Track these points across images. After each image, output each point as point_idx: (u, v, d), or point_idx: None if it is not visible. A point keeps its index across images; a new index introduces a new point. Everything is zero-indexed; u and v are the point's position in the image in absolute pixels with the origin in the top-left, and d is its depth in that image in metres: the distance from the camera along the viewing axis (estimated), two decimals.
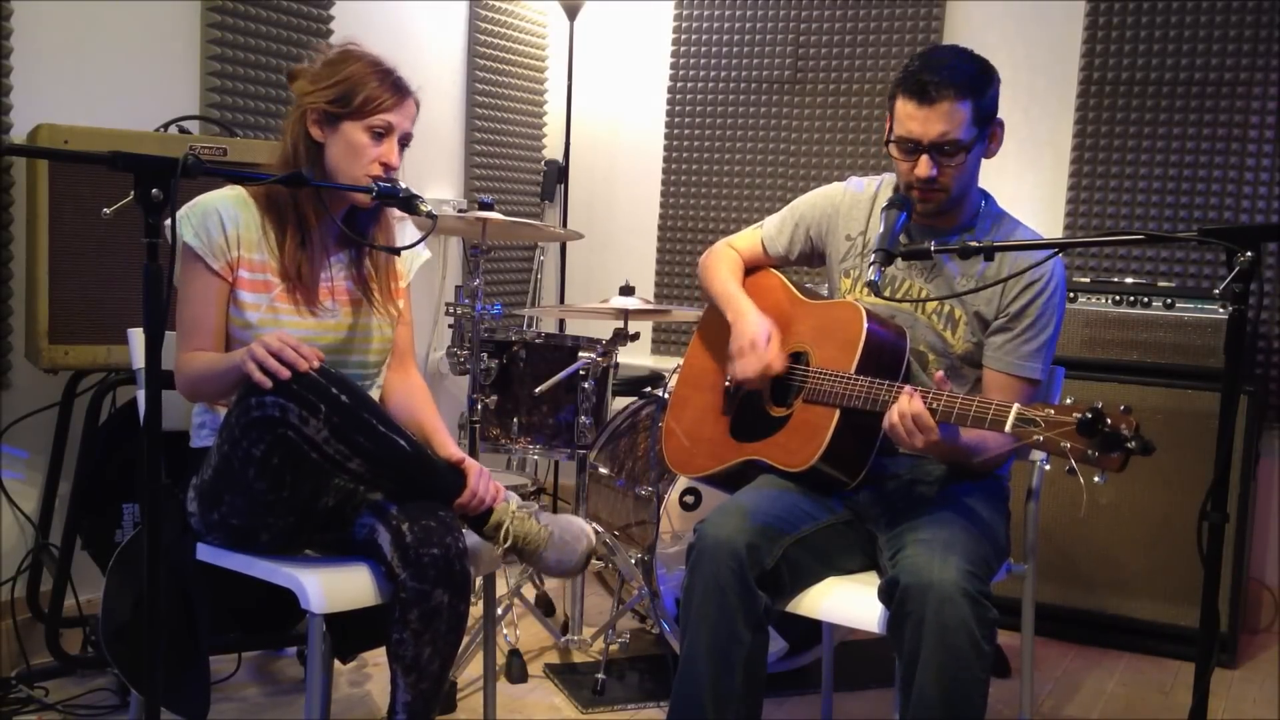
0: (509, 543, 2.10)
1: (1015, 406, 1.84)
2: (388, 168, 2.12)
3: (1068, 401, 1.79)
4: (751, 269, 2.45)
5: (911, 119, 2.11)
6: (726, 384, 2.36)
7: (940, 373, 2.01)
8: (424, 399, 2.31)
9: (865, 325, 2.13)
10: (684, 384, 2.49)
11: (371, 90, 2.10)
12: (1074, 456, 1.75)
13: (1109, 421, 1.71)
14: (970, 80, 2.10)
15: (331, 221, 2.15)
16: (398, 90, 2.13)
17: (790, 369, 2.25)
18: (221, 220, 2.09)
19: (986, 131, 2.16)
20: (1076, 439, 1.75)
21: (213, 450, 2.04)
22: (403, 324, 2.31)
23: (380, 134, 2.11)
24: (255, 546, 2.07)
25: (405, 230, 2.31)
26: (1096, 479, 1.75)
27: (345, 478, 2.04)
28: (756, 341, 2.23)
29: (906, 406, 1.95)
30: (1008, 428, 1.84)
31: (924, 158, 2.12)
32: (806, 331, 2.26)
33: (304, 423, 1.90)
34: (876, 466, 2.16)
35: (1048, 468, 1.81)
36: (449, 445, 2.19)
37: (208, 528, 2.08)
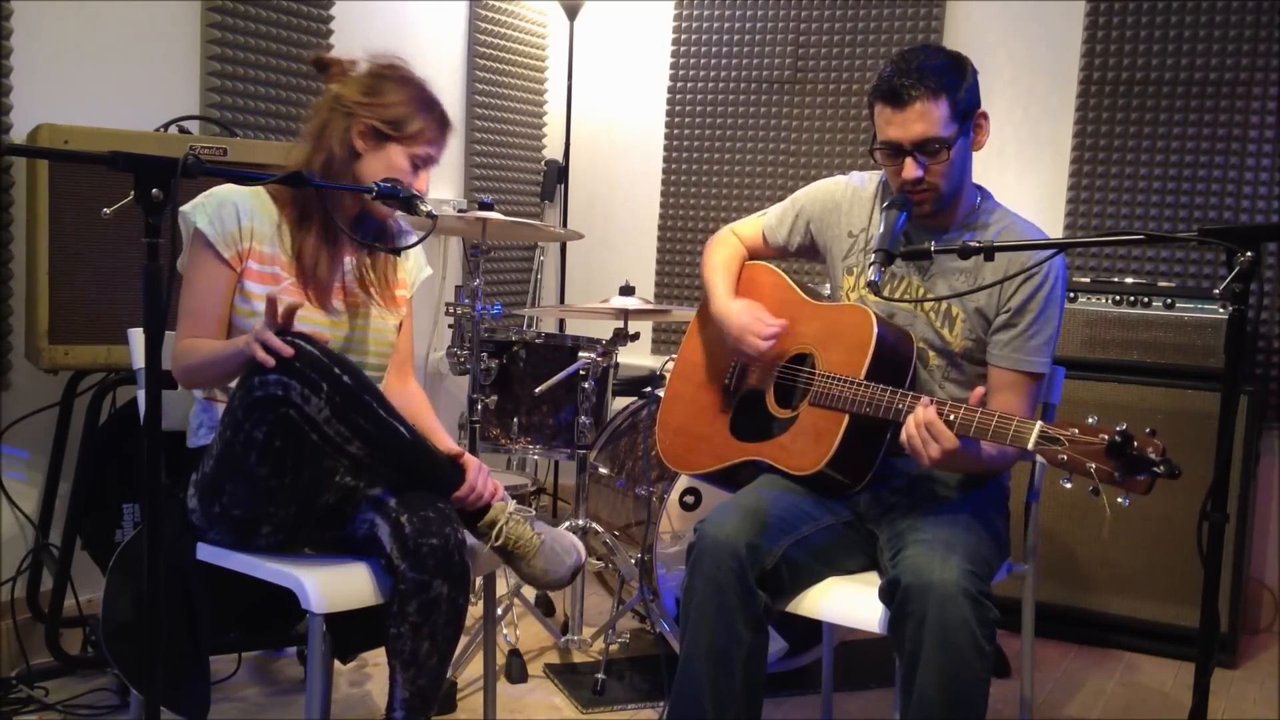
0: (500, 542, 2.10)
1: (1038, 424, 1.83)
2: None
3: (1090, 420, 1.77)
4: (753, 261, 2.45)
5: (890, 124, 2.11)
6: (726, 381, 2.36)
7: (980, 389, 1.98)
8: (422, 404, 2.34)
9: (875, 329, 2.13)
10: (679, 379, 2.48)
11: (424, 122, 2.18)
12: (1100, 478, 1.74)
13: (1136, 445, 1.70)
14: (941, 77, 2.08)
15: (346, 224, 2.18)
16: (443, 128, 2.21)
17: (795, 371, 2.24)
18: (237, 211, 2.12)
19: (969, 125, 2.14)
20: (1103, 460, 1.73)
21: (214, 441, 2.05)
22: (404, 333, 2.34)
23: (418, 165, 2.19)
24: (256, 539, 2.07)
25: (409, 241, 2.34)
26: (1120, 500, 1.73)
27: (345, 463, 2.04)
28: (744, 324, 2.24)
29: (921, 415, 1.93)
30: (1030, 445, 1.83)
31: (908, 160, 2.11)
32: (811, 333, 2.26)
33: (305, 401, 1.91)
34: (880, 467, 2.16)
35: (1069, 485, 1.79)
36: (448, 442, 2.21)
37: (209, 522, 2.08)
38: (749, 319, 2.26)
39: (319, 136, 2.18)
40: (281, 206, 2.18)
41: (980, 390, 1.97)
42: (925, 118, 2.08)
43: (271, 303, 1.92)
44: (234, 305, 2.13)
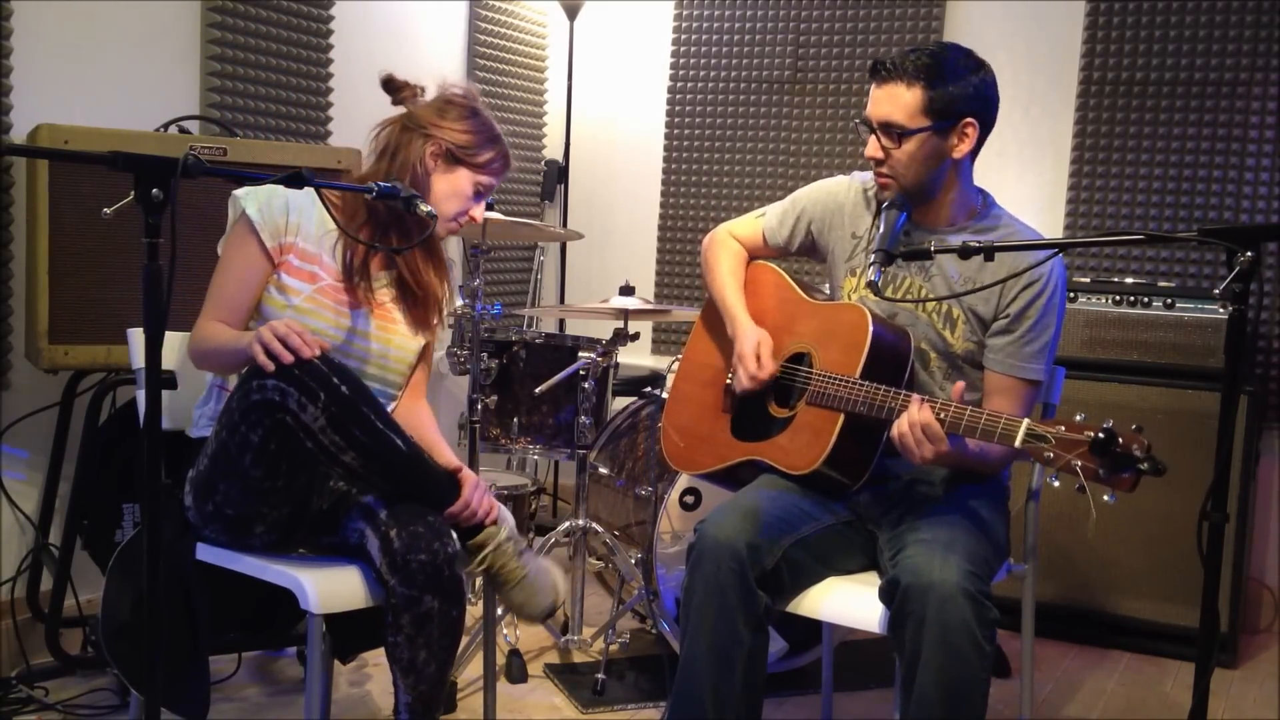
0: (483, 567, 2.11)
1: (1025, 421, 1.82)
2: (472, 221, 2.30)
3: (1078, 418, 1.77)
4: (754, 261, 2.44)
5: (869, 98, 2.15)
6: (728, 382, 2.36)
7: (960, 383, 1.99)
8: (427, 418, 2.35)
9: (871, 328, 2.12)
10: (683, 379, 2.48)
11: (494, 153, 2.28)
12: (1085, 475, 1.73)
13: (1121, 442, 1.70)
14: (931, 69, 2.06)
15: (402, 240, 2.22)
16: (507, 163, 2.33)
17: (793, 370, 2.24)
18: (288, 205, 2.16)
19: (947, 126, 2.10)
20: (1088, 458, 1.73)
21: (210, 439, 2.05)
22: (427, 356, 2.36)
23: (480, 192, 2.28)
24: (250, 538, 2.07)
25: (453, 273, 2.40)
26: (1106, 498, 1.73)
27: (339, 471, 2.04)
28: (744, 355, 2.24)
29: (916, 415, 1.93)
30: (1017, 442, 1.83)
31: (871, 138, 2.13)
32: (809, 332, 2.26)
33: (302, 409, 1.92)
34: (878, 467, 2.16)
35: (1057, 484, 1.79)
36: (448, 456, 2.21)
37: (203, 519, 2.08)
38: (748, 352, 2.24)
39: (394, 155, 2.23)
40: (341, 218, 2.16)
41: (960, 385, 1.98)
42: (893, 100, 2.09)
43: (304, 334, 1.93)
44: (270, 296, 2.15)
